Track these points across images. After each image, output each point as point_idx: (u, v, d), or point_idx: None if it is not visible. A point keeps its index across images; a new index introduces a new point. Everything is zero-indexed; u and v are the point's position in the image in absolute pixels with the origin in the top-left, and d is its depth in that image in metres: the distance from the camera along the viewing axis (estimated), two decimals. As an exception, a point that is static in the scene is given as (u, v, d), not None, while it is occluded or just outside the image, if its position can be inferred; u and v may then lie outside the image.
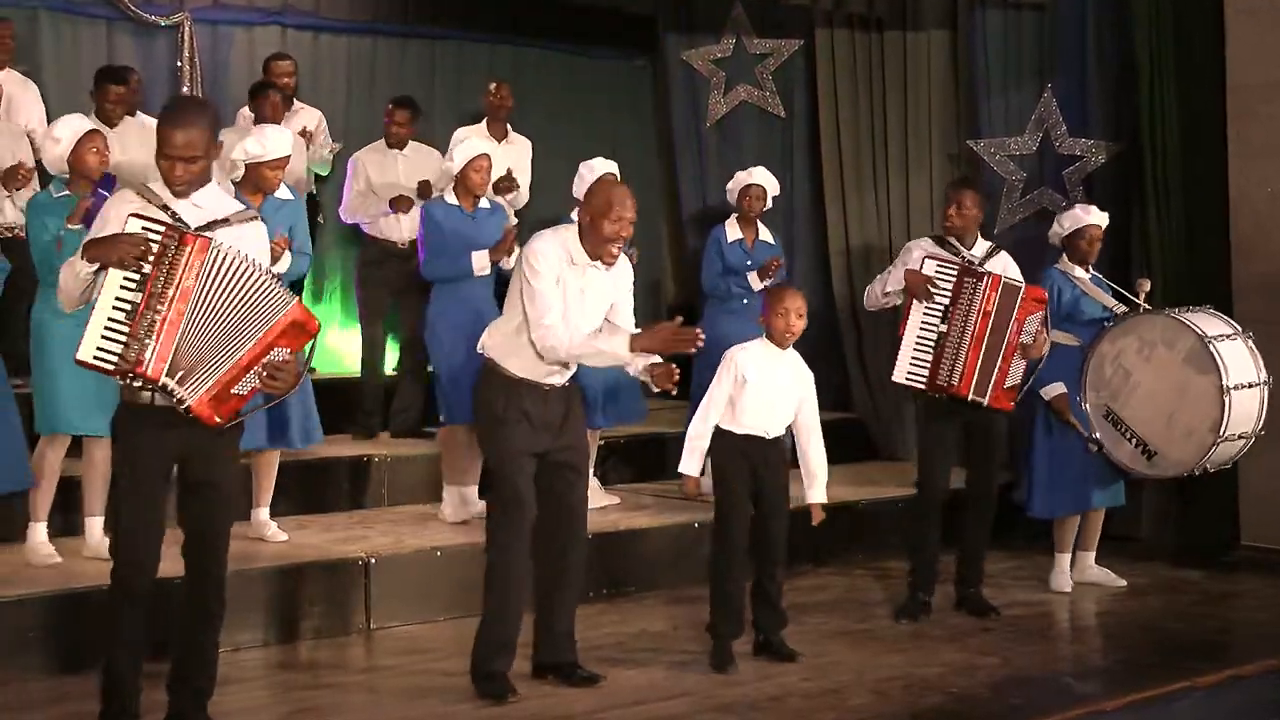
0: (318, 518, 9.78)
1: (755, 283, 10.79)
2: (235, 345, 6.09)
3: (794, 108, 13.60)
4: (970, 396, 8.73)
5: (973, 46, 12.38)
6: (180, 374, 5.97)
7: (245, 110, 11.55)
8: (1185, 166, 11.10)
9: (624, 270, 7.49)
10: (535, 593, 7.47)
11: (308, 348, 6.37)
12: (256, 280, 6.12)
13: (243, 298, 6.08)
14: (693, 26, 13.94)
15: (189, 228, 6.08)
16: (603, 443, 10.83)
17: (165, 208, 6.12)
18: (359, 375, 11.73)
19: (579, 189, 9.67)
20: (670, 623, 8.77)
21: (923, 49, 12.72)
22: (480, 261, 9.56)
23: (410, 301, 11.35)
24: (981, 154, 12.22)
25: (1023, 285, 8.77)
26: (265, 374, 6.11)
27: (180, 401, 6.01)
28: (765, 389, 7.79)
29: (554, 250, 7.17)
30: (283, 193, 8.77)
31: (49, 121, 10.73)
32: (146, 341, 5.91)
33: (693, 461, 7.82)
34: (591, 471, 10.13)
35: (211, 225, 6.18)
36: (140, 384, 6.02)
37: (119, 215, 6.07)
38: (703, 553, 8.97)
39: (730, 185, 11.28)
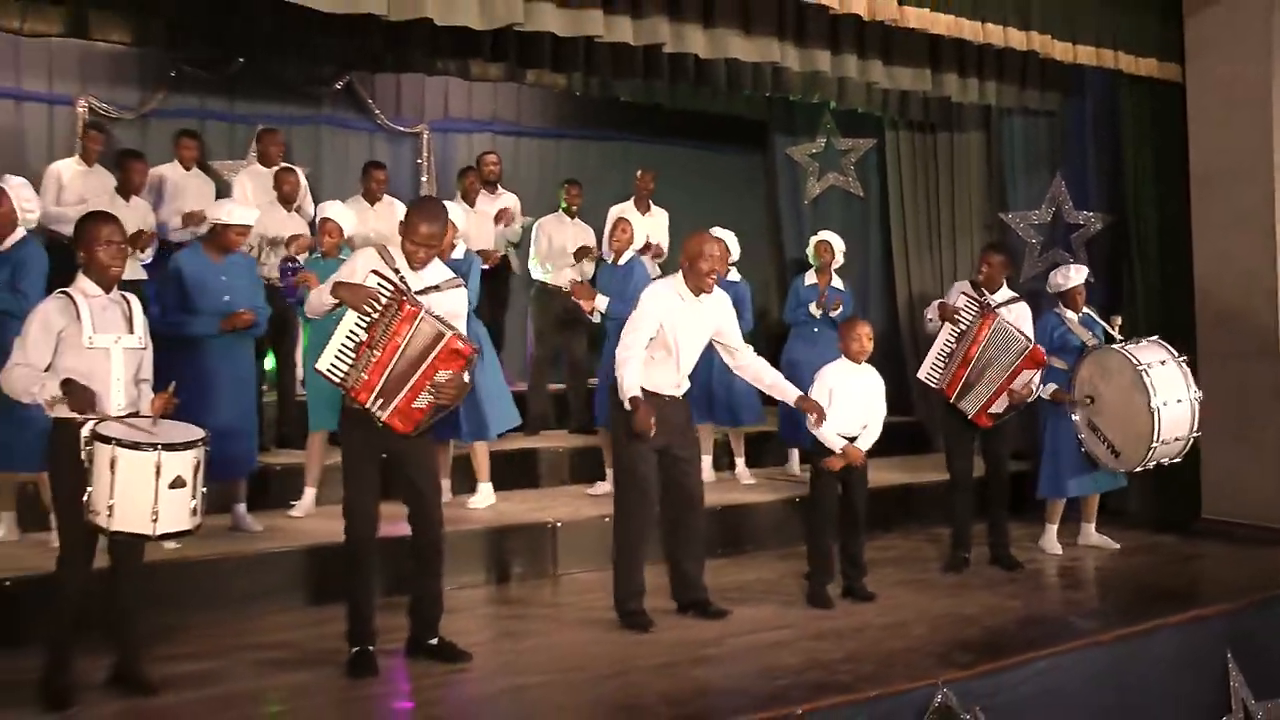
0: (516, 492, 9.94)
1: (815, 312, 10.72)
2: (411, 376, 6.22)
3: (870, 189, 13.63)
4: (952, 400, 8.86)
5: (1002, 143, 12.43)
6: (380, 402, 6.20)
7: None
8: (1160, 232, 11.15)
9: (725, 303, 7.56)
10: (666, 551, 7.67)
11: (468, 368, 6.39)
12: (440, 340, 6.22)
13: (421, 345, 6.21)
14: (794, 129, 13.97)
15: (409, 293, 6.26)
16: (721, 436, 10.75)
17: (397, 271, 6.32)
18: (525, 388, 11.63)
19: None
20: (777, 573, 8.84)
21: (965, 145, 12.73)
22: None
23: (571, 331, 11.48)
24: (1009, 223, 12.29)
25: (1030, 345, 8.77)
26: (435, 391, 6.22)
27: (377, 418, 6.24)
28: (849, 396, 7.92)
29: (663, 294, 7.32)
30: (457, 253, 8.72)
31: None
32: (362, 374, 6.19)
33: (835, 440, 7.84)
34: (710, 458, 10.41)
35: (427, 290, 6.35)
36: (354, 402, 6.28)
37: (364, 268, 6.31)
38: (801, 521, 9.20)
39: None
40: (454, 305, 6.52)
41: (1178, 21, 10.92)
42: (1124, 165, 11.35)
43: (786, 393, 7.64)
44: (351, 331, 6.26)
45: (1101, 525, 9.92)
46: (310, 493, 8.97)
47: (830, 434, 7.83)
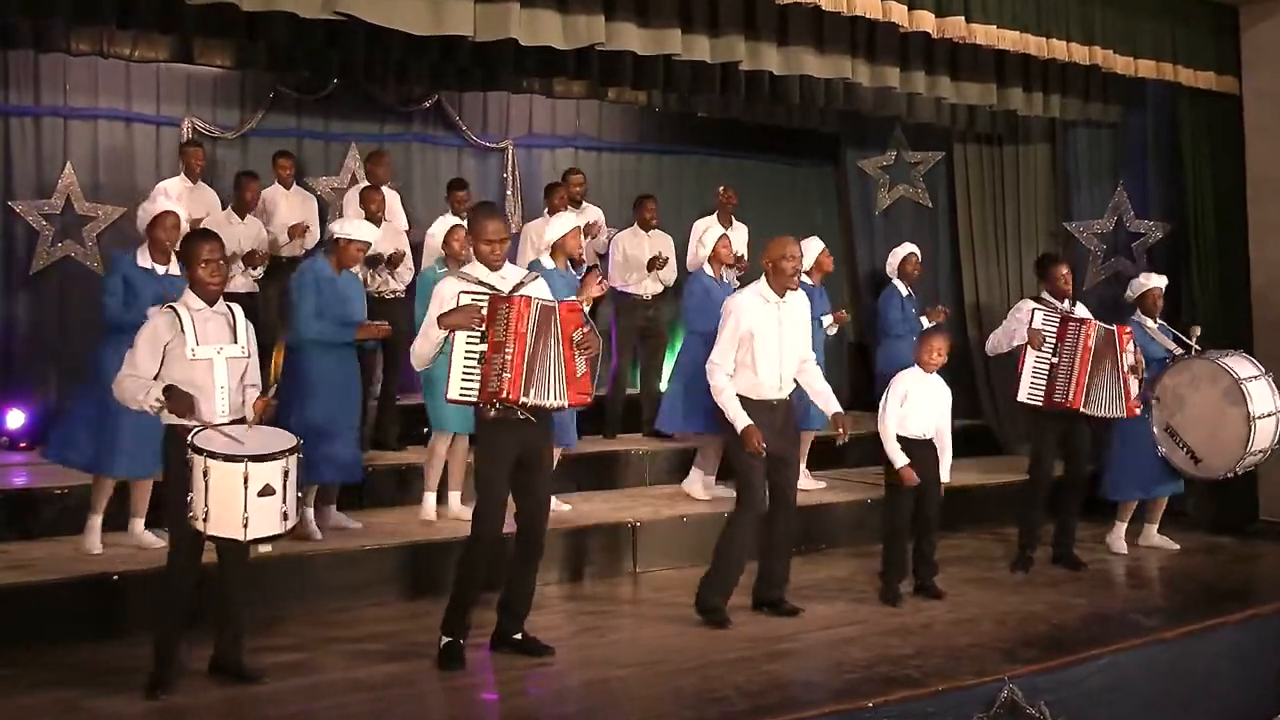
0: (598, 493, 9.92)
1: (927, 322, 10.71)
2: (557, 355, 6.27)
3: (938, 200, 13.52)
4: (1081, 409, 8.70)
5: (1066, 154, 12.39)
6: (532, 390, 6.20)
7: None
8: (1218, 239, 11.12)
9: (806, 306, 7.53)
10: (758, 548, 7.55)
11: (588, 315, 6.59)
12: (554, 312, 6.32)
13: (545, 326, 6.26)
14: (865, 143, 13.86)
15: (504, 293, 6.31)
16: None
17: (481, 282, 6.36)
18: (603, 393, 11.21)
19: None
20: (849, 571, 8.84)
21: (1030, 157, 12.61)
22: None
23: (649, 338, 11.47)
24: (1073, 232, 12.25)
25: (1115, 327, 8.78)
26: (583, 351, 6.34)
27: (551, 409, 6.36)
28: (919, 402, 7.91)
29: (749, 301, 7.28)
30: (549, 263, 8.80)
31: (409, 223, 11.18)
32: (504, 375, 6.14)
33: (899, 457, 7.80)
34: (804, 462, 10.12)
35: (517, 287, 6.40)
36: (503, 407, 6.25)
37: (452, 293, 6.31)
38: (873, 521, 9.04)
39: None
40: (541, 294, 6.53)
41: (1234, 36, 10.98)
42: (1183, 175, 11.33)
43: (829, 405, 7.55)
44: (468, 352, 6.26)
45: (1162, 527, 9.81)
46: (455, 496, 8.94)
47: (896, 449, 7.84)
